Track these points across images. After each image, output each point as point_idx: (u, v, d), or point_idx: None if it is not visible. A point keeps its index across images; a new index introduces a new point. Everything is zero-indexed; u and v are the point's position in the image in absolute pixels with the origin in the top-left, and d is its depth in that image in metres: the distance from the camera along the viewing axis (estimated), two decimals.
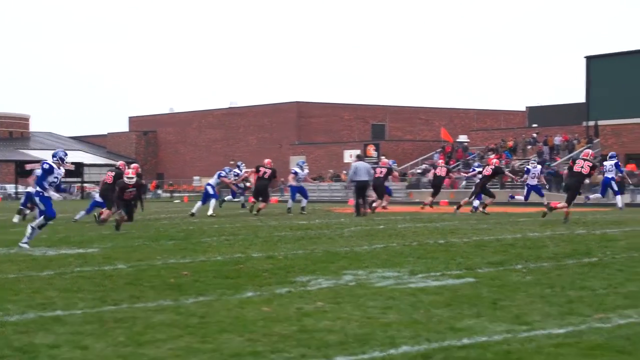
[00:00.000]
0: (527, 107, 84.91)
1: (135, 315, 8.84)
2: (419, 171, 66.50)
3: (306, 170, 37.58)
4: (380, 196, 34.23)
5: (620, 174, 36.56)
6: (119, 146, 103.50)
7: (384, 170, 34.49)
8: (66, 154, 18.25)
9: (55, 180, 17.59)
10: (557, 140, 64.51)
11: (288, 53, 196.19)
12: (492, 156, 25.32)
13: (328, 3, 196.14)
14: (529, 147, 65.74)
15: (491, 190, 33.37)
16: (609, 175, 33.48)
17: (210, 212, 30.77)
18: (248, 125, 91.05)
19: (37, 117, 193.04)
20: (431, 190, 36.96)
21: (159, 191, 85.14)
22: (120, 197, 22.65)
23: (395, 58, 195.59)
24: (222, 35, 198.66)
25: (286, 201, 37.46)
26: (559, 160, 59.47)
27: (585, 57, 68.13)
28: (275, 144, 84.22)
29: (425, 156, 72.29)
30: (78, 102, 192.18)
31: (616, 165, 34.20)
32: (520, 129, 73.99)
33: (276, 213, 33.16)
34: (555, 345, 7.14)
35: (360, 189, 31.10)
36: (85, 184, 77.10)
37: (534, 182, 36.01)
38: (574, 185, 23.61)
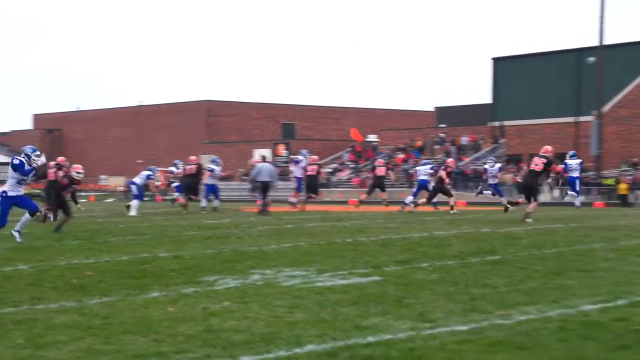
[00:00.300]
0: (435, 107, 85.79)
1: (35, 316, 8.67)
2: (329, 170, 66.68)
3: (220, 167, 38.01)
4: (314, 192, 35.17)
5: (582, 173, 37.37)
6: (23, 143, 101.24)
7: (316, 167, 35.36)
8: (34, 150, 17.58)
9: (25, 179, 17.22)
10: (464, 140, 65.38)
11: (198, 52, 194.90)
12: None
13: (237, 1, 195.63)
14: (437, 147, 66.46)
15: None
16: (574, 174, 33.90)
17: (133, 212, 30.52)
18: (157, 124, 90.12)
19: None
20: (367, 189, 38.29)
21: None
22: (60, 193, 22.18)
23: (304, 57, 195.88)
24: (130, 33, 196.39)
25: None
26: (466, 160, 60.24)
27: (491, 58, 69.24)
28: (185, 143, 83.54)
29: (334, 155, 72.59)
30: None
31: (580, 164, 34.90)
32: (429, 129, 74.73)
33: (183, 212, 32.87)
34: (457, 342, 7.25)
35: (264, 189, 31.53)
36: None
37: (495, 181, 36.48)
38: (529, 183, 24.02)
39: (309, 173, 36.17)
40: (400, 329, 7.82)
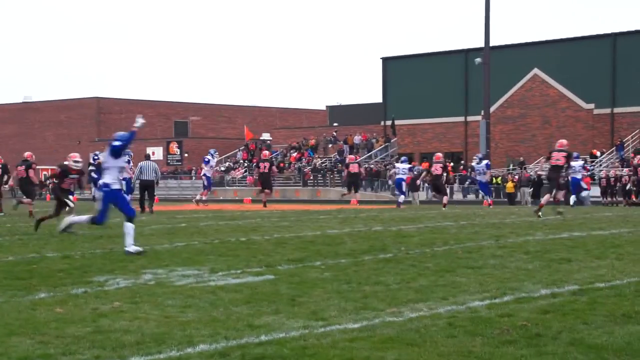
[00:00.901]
0: (327, 107, 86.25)
1: None
2: (222, 169, 66.46)
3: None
4: (269, 188, 35.95)
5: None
6: None
7: (267, 164, 35.84)
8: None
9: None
10: (357, 139, 65.96)
11: (87, 47, 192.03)
12: None
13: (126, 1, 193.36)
14: (330, 145, 66.93)
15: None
16: (577, 175, 34.39)
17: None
18: (44, 120, 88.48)
19: None
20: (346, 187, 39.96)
21: None
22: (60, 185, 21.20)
23: (197, 55, 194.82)
24: (15, 27, 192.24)
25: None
26: (359, 159, 60.75)
27: (381, 58, 69.86)
28: (74, 141, 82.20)
29: (228, 154, 72.35)
30: None
31: (582, 166, 35.70)
32: (322, 127, 75.21)
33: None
34: (349, 339, 7.27)
35: (145, 187, 31.95)
36: None
37: (483, 179, 36.52)
38: (552, 177, 25.02)
39: (261, 170, 37.01)
40: (293, 328, 7.82)
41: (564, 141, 25.42)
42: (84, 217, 16.47)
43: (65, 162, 21.61)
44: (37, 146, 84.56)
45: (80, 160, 21.46)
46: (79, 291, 10.21)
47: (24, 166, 27.32)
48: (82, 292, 10.16)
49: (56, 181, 21.60)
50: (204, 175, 38.81)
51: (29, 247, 16.20)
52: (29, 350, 7.01)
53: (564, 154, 24.47)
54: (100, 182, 15.34)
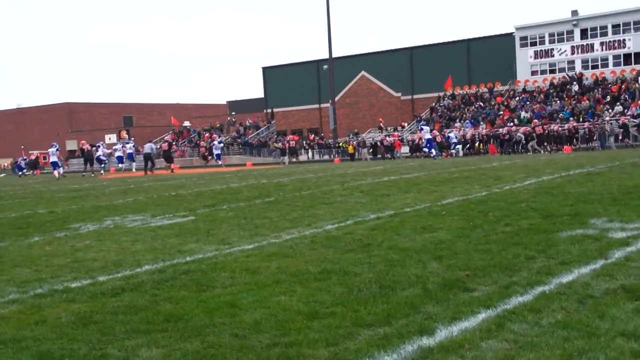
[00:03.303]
0: (227, 101, 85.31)
1: None
2: (157, 147, 64.97)
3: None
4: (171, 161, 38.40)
5: None
6: None
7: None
8: None
9: None
10: (249, 122, 65.44)
11: (60, 64, 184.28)
12: None
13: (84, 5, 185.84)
14: (231, 126, 66.21)
15: None
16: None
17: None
18: (33, 119, 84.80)
19: None
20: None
21: None
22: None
23: (135, 65, 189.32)
24: (10, 44, 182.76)
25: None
26: (251, 135, 60.29)
27: (262, 67, 69.55)
28: (54, 133, 79.02)
29: (161, 136, 70.88)
30: None
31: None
32: (224, 115, 74.19)
33: (56, 182, 31.20)
34: (246, 256, 7.28)
35: (146, 158, 35.04)
36: None
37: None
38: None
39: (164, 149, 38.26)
40: (209, 250, 7.78)
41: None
42: None
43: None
44: (29, 138, 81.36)
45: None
46: (61, 234, 9.94)
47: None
48: (63, 235, 9.89)
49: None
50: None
51: (25, 206, 15.64)
52: (27, 276, 6.81)
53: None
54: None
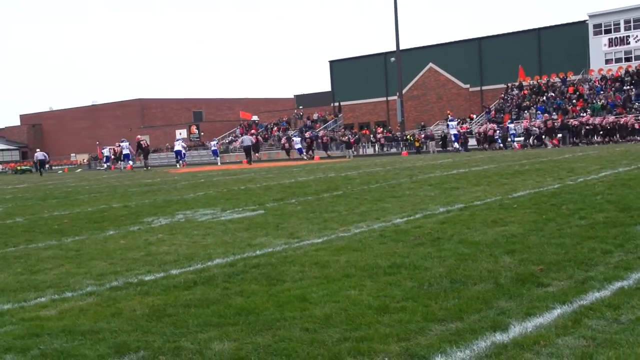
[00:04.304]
0: (294, 95, 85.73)
1: (29, 253, 8.36)
2: (227, 141, 65.96)
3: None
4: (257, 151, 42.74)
5: None
6: (15, 135, 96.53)
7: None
8: None
9: None
10: (316, 116, 65.63)
11: (133, 61, 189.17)
12: None
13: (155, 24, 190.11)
14: (298, 120, 66.56)
15: None
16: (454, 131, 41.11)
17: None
18: (107, 116, 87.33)
19: None
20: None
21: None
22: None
23: (205, 63, 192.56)
24: (83, 53, 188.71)
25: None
26: (319, 128, 60.51)
27: (329, 61, 69.53)
28: (127, 129, 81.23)
29: (230, 131, 71.84)
30: None
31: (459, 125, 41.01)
32: (291, 109, 74.64)
33: (129, 175, 32.06)
34: (315, 250, 7.30)
35: (246, 150, 39.22)
36: None
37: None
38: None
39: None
40: (278, 244, 7.83)
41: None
42: None
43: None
44: (103, 133, 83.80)
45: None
46: (135, 228, 10.19)
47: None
48: (137, 229, 10.13)
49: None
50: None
51: (101, 201, 16.10)
52: (103, 269, 7.00)
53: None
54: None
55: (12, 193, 21.40)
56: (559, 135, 39.74)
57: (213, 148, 52.29)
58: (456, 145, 42.33)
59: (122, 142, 46.88)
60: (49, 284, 6.42)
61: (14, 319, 5.15)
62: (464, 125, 48.78)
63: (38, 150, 55.66)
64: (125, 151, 45.05)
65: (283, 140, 54.30)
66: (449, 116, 50.43)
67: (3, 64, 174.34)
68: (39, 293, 6.03)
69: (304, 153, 46.48)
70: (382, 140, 50.70)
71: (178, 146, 46.25)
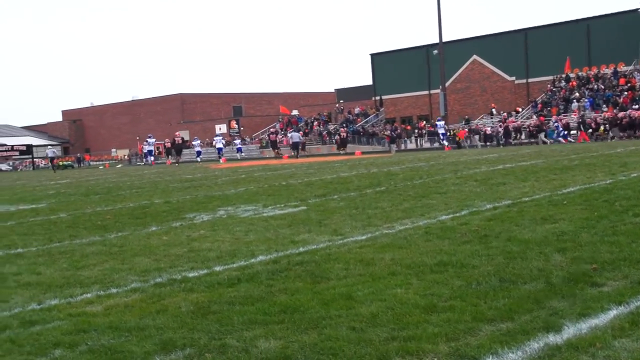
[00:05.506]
0: (335, 89, 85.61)
1: (73, 248, 8.52)
2: (266, 136, 66.26)
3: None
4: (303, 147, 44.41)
5: None
6: (57, 131, 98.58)
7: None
8: None
9: None
10: (357, 110, 65.47)
11: (172, 56, 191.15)
12: None
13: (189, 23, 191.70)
14: (339, 114, 66.49)
15: None
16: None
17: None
18: (147, 111, 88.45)
19: None
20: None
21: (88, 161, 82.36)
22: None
23: (244, 58, 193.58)
24: (125, 45, 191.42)
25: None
26: (360, 123, 60.36)
27: (370, 54, 69.30)
28: (167, 123, 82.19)
29: (270, 126, 72.10)
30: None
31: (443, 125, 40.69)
32: (332, 103, 74.58)
33: (170, 171, 32.43)
34: (359, 247, 7.28)
35: (294, 146, 41.07)
36: (35, 159, 73.91)
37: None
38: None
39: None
40: (321, 241, 7.84)
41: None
42: None
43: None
44: (143, 128, 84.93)
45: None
46: (177, 224, 10.30)
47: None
48: (179, 225, 10.25)
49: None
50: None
51: (142, 196, 16.32)
52: (147, 265, 7.09)
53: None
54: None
55: (55, 189, 21.82)
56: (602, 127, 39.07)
57: (218, 145, 50.41)
58: (445, 142, 44.64)
59: (149, 138, 49.01)
60: (94, 279, 6.53)
61: (62, 315, 5.26)
62: (510, 119, 48.11)
63: (49, 147, 57.09)
64: (149, 147, 47.73)
65: (272, 137, 54.67)
66: (494, 109, 50.05)
67: (46, 61, 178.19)
68: (85, 289, 6.14)
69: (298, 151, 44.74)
70: (425, 136, 50.49)
71: (219, 143, 47.33)
